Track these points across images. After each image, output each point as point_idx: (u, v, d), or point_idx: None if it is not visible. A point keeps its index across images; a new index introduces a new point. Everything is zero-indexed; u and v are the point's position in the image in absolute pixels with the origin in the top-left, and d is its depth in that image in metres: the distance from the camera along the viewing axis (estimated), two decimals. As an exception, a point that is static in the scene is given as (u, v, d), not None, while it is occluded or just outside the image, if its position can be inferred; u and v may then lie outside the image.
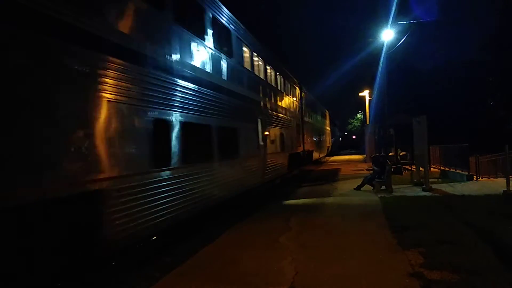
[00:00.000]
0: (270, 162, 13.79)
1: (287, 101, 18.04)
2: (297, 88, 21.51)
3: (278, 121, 15.50)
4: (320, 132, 32.35)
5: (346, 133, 78.04)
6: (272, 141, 14.34)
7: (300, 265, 5.36)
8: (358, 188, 13.04)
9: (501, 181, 12.01)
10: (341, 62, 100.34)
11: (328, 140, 40.01)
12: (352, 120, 68.77)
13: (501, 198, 10.18)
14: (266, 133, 13.41)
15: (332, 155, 43.81)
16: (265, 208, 10.32)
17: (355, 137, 68.79)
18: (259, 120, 12.68)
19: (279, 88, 16.57)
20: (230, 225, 8.21)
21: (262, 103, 13.33)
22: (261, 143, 12.76)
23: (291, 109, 19.01)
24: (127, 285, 5.39)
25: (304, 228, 7.69)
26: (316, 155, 28.24)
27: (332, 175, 19.64)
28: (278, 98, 16.12)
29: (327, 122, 40.13)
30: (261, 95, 13.30)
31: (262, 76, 13.75)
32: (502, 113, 28.60)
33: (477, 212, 8.30)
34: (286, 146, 16.71)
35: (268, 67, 14.69)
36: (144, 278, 5.52)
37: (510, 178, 10.46)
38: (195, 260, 5.95)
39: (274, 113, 15.04)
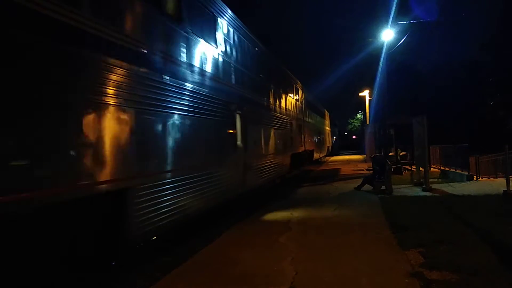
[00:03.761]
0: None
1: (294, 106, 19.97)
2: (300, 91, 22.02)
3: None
4: (320, 132, 32.38)
5: (346, 133, 77.97)
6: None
7: (300, 265, 5.35)
8: (358, 188, 13.04)
9: (501, 181, 12.01)
10: (341, 62, 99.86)
11: (328, 140, 40.01)
12: (352, 120, 68.75)
13: (501, 198, 10.19)
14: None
15: (332, 155, 43.79)
16: (265, 208, 10.31)
17: (355, 137, 68.75)
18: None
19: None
20: (230, 225, 8.21)
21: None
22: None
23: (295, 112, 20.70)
24: (127, 285, 5.39)
25: (304, 228, 7.69)
26: (316, 155, 28.34)
27: (332, 175, 19.65)
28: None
29: (327, 122, 40.12)
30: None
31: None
32: (502, 113, 28.59)
33: (477, 212, 8.31)
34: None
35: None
36: (144, 278, 5.51)
37: (510, 178, 10.46)
38: (195, 260, 5.95)
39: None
